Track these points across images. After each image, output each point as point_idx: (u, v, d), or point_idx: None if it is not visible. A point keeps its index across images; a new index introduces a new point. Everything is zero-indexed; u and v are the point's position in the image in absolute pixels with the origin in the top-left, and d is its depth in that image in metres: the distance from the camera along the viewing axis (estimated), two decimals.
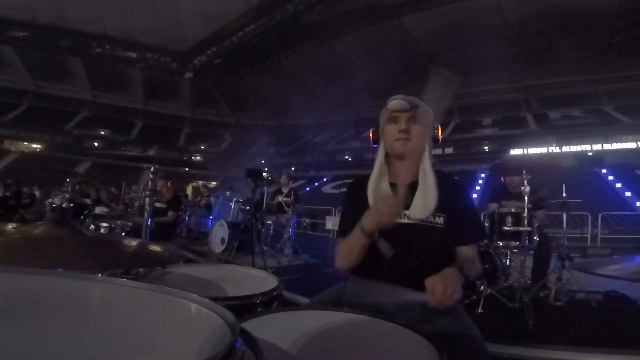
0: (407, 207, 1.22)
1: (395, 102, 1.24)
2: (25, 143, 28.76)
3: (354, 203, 1.32)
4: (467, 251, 1.26)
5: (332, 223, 11.79)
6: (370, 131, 1.39)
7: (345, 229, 1.28)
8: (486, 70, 24.66)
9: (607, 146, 20.82)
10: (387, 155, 1.32)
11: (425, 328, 1.01)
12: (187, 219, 7.99)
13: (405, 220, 1.22)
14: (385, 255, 1.12)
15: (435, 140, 1.31)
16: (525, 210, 2.90)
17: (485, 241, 3.13)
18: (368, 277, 1.26)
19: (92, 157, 26.58)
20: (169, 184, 4.63)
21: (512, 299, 2.86)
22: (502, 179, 3.81)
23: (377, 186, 1.28)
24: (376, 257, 1.22)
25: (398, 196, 1.10)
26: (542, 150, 21.47)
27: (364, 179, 1.31)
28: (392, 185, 1.29)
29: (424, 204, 1.19)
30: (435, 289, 0.95)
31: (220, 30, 24.41)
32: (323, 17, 22.23)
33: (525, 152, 21.49)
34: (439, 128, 1.31)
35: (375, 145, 1.37)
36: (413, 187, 1.23)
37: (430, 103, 1.29)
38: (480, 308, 2.77)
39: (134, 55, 27.87)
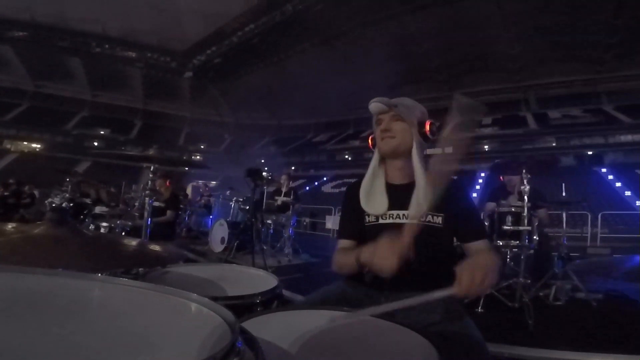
0: (406, 206, 1.23)
1: (372, 106, 1.29)
2: (25, 143, 28.72)
3: (349, 206, 1.37)
4: (479, 246, 1.24)
5: (332, 222, 11.78)
6: (370, 137, 1.43)
7: (343, 231, 1.38)
8: (486, 70, 24.63)
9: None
10: (383, 157, 1.36)
11: (425, 328, 1.01)
12: (187, 218, 7.99)
13: (403, 221, 1.23)
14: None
15: (425, 137, 1.27)
16: (525, 209, 2.91)
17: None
18: (365, 283, 1.26)
19: (91, 157, 26.51)
20: (167, 183, 4.63)
21: (512, 298, 2.86)
22: (502, 178, 3.82)
23: (370, 188, 1.32)
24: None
25: (398, 244, 0.96)
26: None
27: (359, 183, 1.36)
28: (389, 186, 1.32)
29: (417, 203, 1.18)
30: (463, 277, 0.88)
31: (220, 30, 24.38)
32: (323, 16, 22.20)
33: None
34: (428, 124, 1.26)
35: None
36: (410, 187, 1.23)
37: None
38: (480, 307, 2.78)
39: (134, 54, 27.84)
